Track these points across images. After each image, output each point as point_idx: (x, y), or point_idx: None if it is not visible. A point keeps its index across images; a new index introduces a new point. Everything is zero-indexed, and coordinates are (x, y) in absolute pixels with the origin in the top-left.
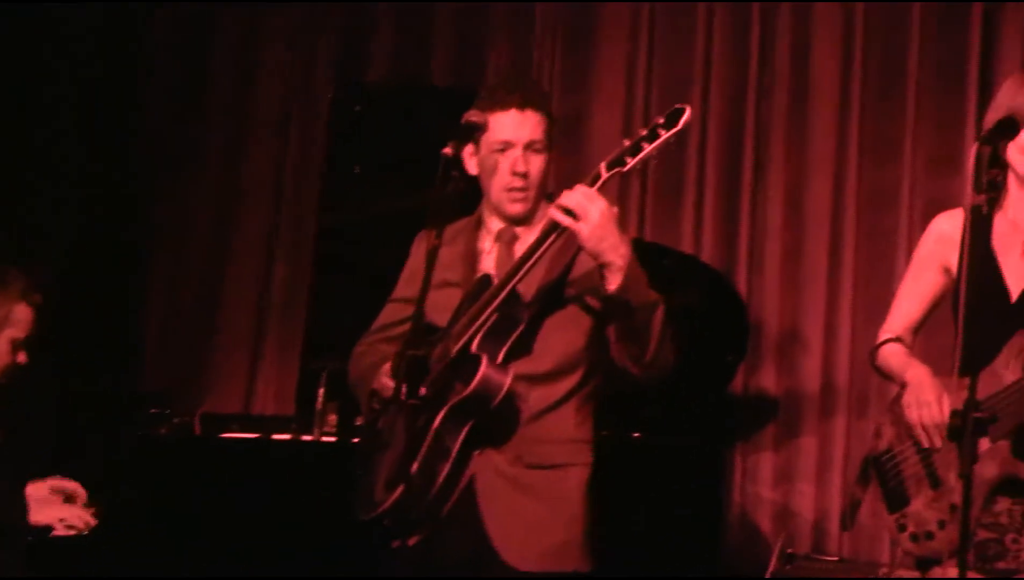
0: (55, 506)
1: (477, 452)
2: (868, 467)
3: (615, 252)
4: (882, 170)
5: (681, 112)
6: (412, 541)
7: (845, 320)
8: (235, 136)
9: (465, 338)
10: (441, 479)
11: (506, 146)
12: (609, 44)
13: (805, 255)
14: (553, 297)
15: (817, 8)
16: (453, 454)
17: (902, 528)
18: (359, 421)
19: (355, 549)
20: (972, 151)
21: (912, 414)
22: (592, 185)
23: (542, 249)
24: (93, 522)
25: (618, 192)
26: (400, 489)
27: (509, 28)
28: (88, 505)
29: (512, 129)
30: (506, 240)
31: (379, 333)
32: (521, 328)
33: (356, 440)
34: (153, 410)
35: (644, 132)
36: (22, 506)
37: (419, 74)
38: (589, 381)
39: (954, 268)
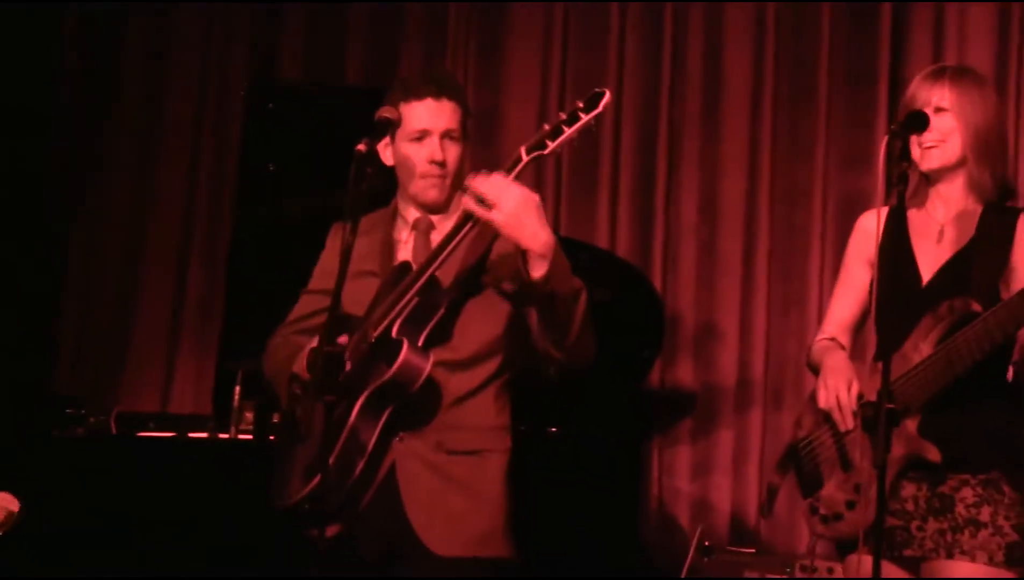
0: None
1: (397, 439)
2: (788, 456)
3: (535, 239)
4: (795, 168)
5: (600, 95)
6: (331, 531)
7: (760, 315)
8: (148, 138)
9: (385, 323)
10: (360, 467)
11: (423, 135)
12: (522, 43)
13: (720, 251)
14: (471, 283)
15: (729, 8)
16: (373, 440)
17: (814, 511)
18: (276, 418)
19: (274, 546)
20: (882, 144)
21: (821, 397)
22: (512, 169)
23: (458, 237)
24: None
25: (533, 185)
26: (317, 478)
27: (422, 27)
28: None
29: (428, 118)
30: (423, 229)
31: (294, 325)
32: (441, 313)
33: (272, 436)
34: (69, 410)
35: (564, 116)
36: None
37: (332, 74)
38: (507, 368)
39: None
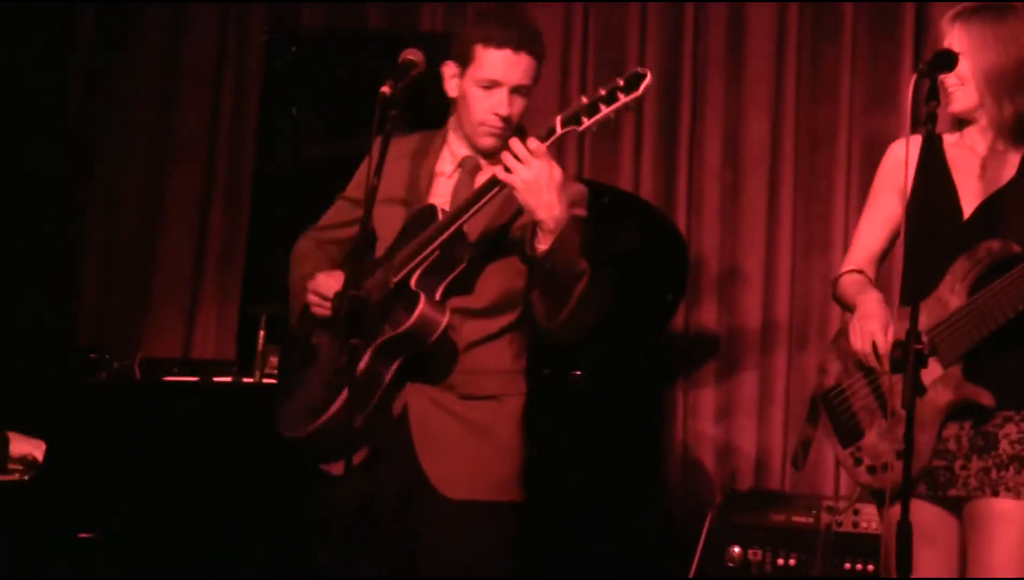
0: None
1: (409, 382)
2: (816, 405)
3: (548, 212)
4: (819, 109)
5: (642, 76)
6: (337, 468)
7: (784, 257)
8: (167, 83)
9: (405, 271)
10: (370, 408)
11: (493, 85)
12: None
13: (744, 194)
14: (497, 240)
15: None
16: (383, 385)
17: (858, 462)
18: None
19: (297, 488)
20: (911, 83)
21: (856, 341)
22: (546, 139)
23: (484, 200)
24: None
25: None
26: (326, 416)
27: None
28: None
29: (503, 70)
30: (469, 168)
31: (324, 231)
32: (462, 267)
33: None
34: (92, 356)
35: (603, 92)
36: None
37: (353, 19)
38: (525, 318)
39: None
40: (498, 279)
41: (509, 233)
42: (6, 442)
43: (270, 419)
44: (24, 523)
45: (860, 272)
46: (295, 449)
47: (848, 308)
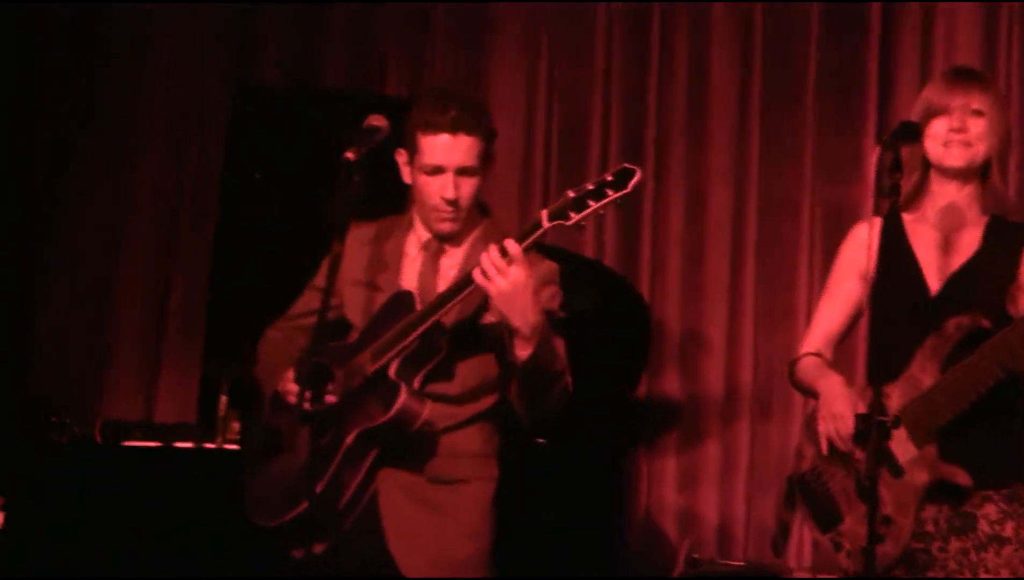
0: None
1: (381, 468)
2: (793, 489)
3: (522, 318)
4: (782, 176)
5: (631, 173)
6: (317, 549)
7: (747, 325)
8: (128, 144)
9: (384, 360)
10: (347, 496)
11: (436, 170)
12: (507, 47)
13: (707, 261)
14: (471, 328)
15: (716, 12)
16: (361, 474)
17: (838, 547)
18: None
19: (259, 557)
20: (874, 155)
21: (822, 426)
22: (531, 233)
23: (461, 295)
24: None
25: (521, 193)
26: (304, 504)
27: (404, 28)
28: None
29: (443, 154)
30: (432, 251)
31: (295, 320)
32: (440, 357)
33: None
34: (53, 418)
35: (591, 187)
36: None
37: (312, 77)
38: (500, 405)
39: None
40: (474, 366)
41: (481, 319)
42: None
43: (231, 485)
44: None
45: (818, 355)
46: (268, 536)
47: (807, 393)
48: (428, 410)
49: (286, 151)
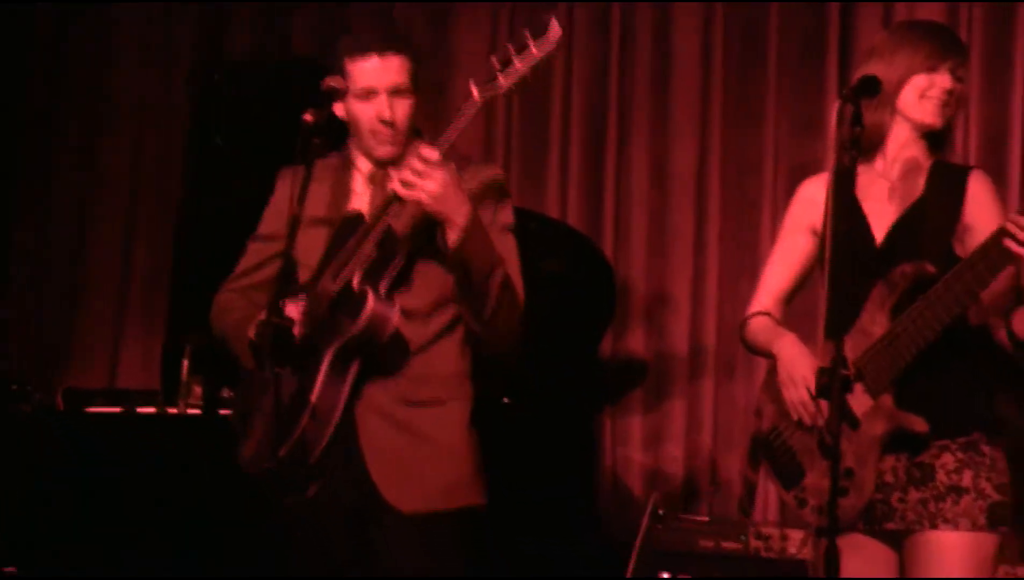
0: None
1: (358, 400)
2: (756, 449)
3: (457, 212)
4: (746, 136)
5: (551, 28)
6: (311, 492)
7: (712, 283)
8: (93, 111)
9: (343, 277)
10: (333, 425)
11: (370, 93)
12: (471, 9)
13: (671, 220)
14: (427, 232)
15: None
16: (343, 397)
17: (802, 503)
18: (225, 393)
19: (224, 522)
20: (834, 108)
21: (789, 394)
22: (466, 112)
23: (394, 208)
24: None
25: (483, 154)
26: (294, 437)
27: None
28: None
29: (374, 75)
30: (379, 181)
31: (244, 277)
32: (399, 262)
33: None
34: (14, 387)
35: (512, 48)
36: None
37: (279, 44)
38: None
39: (821, 227)
40: (435, 275)
41: (435, 230)
42: None
43: (194, 451)
44: None
45: (767, 314)
46: (261, 483)
47: (759, 353)
48: (397, 314)
49: (252, 121)
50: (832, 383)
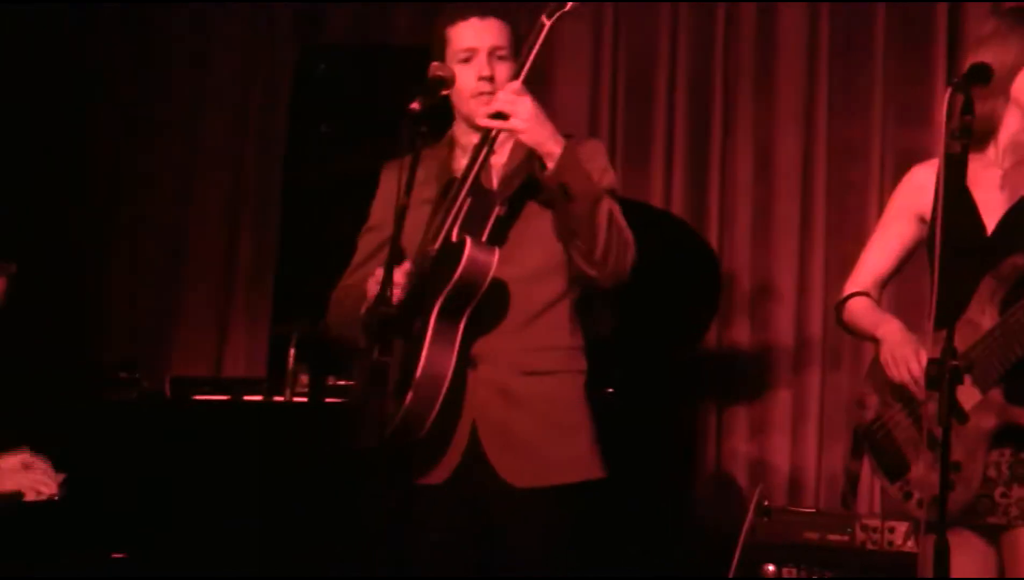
0: (23, 473)
1: (470, 368)
2: (860, 440)
3: (550, 141)
4: (851, 123)
5: None
6: (436, 476)
7: (817, 273)
8: (196, 101)
9: (444, 231)
10: (445, 387)
11: (471, 54)
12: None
13: (776, 209)
14: (524, 188)
15: None
16: (453, 356)
17: (908, 496)
18: (331, 380)
19: (328, 506)
20: (945, 98)
21: (893, 372)
22: (538, 35)
23: (483, 152)
24: (56, 489)
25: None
26: (404, 407)
27: None
28: (57, 472)
29: (474, 36)
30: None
31: (357, 270)
32: (497, 210)
33: (329, 399)
34: (122, 375)
35: None
36: None
37: (379, 34)
38: (572, 288)
39: (929, 215)
40: (539, 240)
41: (528, 177)
42: None
43: (300, 440)
44: (57, 542)
45: (866, 295)
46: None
47: (860, 335)
48: (497, 257)
49: (353, 108)
50: (941, 373)
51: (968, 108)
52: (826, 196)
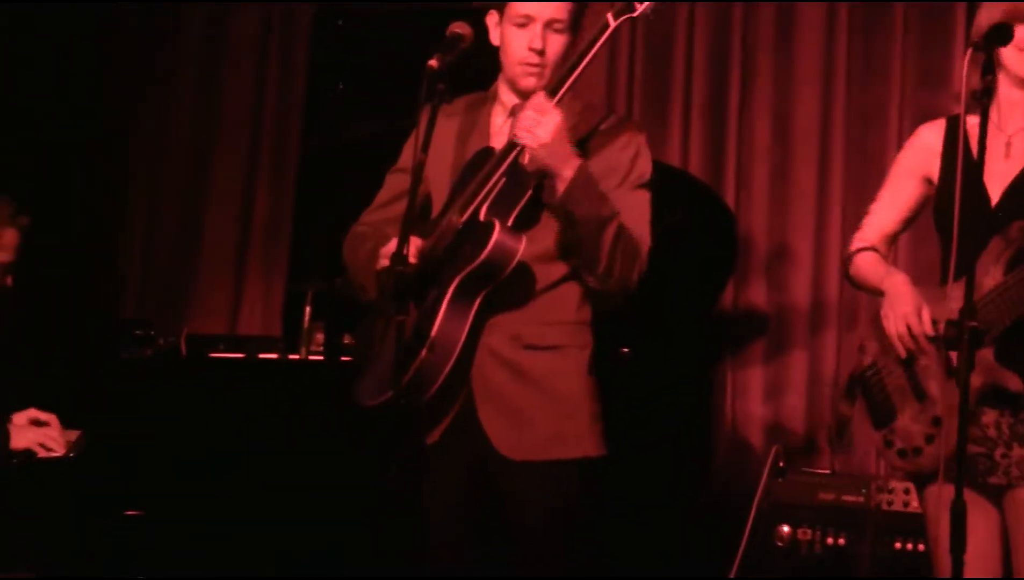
0: (34, 430)
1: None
2: (853, 384)
3: (568, 164)
4: (870, 86)
5: None
6: (432, 436)
7: (834, 235)
8: (212, 59)
9: (472, 208)
10: (455, 356)
11: (527, 21)
12: None
13: (793, 172)
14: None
15: None
16: (466, 328)
17: (889, 444)
18: (346, 339)
19: (344, 466)
20: (966, 57)
21: (890, 325)
22: (600, 35)
23: (510, 157)
24: (63, 448)
25: (606, 106)
26: (412, 371)
27: None
28: (71, 430)
29: (534, 4)
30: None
31: (378, 210)
32: (529, 194)
33: (344, 358)
34: (138, 332)
35: None
36: (4, 432)
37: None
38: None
39: (936, 177)
40: (553, 224)
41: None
42: (6, 436)
43: (316, 397)
44: (71, 500)
45: (874, 249)
46: (382, 415)
47: (865, 289)
48: (523, 246)
49: (370, 67)
50: (960, 334)
51: (989, 68)
52: (844, 159)
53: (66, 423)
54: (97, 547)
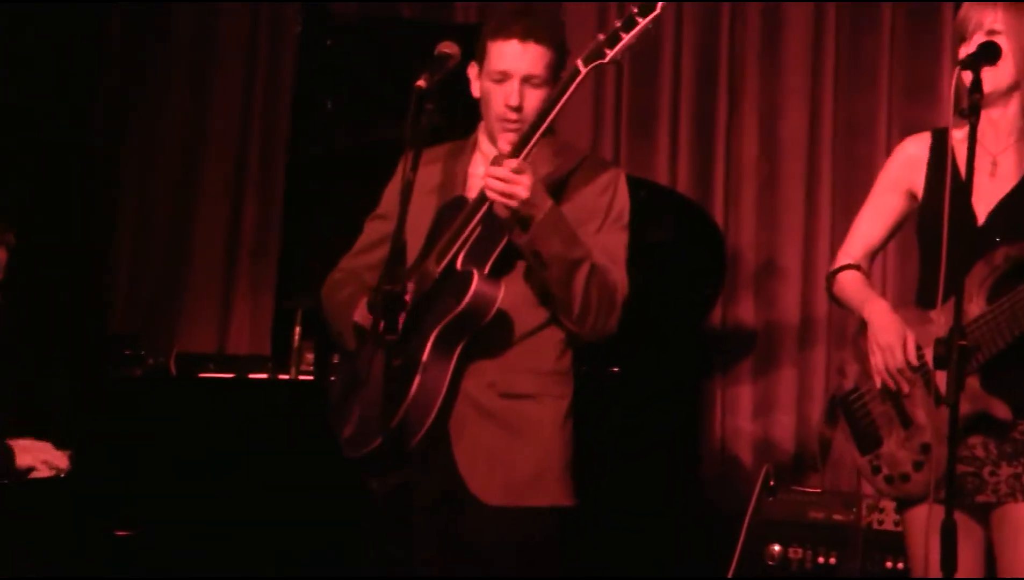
0: (37, 448)
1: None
2: (835, 407)
3: (537, 208)
4: (857, 99)
5: (655, 2)
6: (394, 479)
7: (823, 250)
8: (199, 74)
9: (449, 256)
10: (437, 406)
11: (503, 77)
12: None
13: (781, 186)
14: None
15: None
16: (446, 381)
17: (876, 470)
18: (336, 358)
19: (333, 486)
20: (954, 75)
21: (876, 360)
22: (570, 83)
23: (484, 208)
24: (66, 464)
25: (593, 123)
26: (397, 417)
27: None
28: (62, 450)
29: (510, 60)
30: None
31: (359, 256)
32: (504, 240)
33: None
34: (127, 351)
35: (619, 23)
36: (8, 450)
37: (387, 7)
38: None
39: (920, 191)
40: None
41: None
42: (10, 454)
43: (306, 417)
44: (61, 520)
45: (857, 267)
46: (358, 466)
47: (848, 309)
48: (502, 293)
49: (358, 81)
50: (949, 354)
51: (976, 86)
52: (832, 172)
53: (56, 443)
54: (89, 568)
